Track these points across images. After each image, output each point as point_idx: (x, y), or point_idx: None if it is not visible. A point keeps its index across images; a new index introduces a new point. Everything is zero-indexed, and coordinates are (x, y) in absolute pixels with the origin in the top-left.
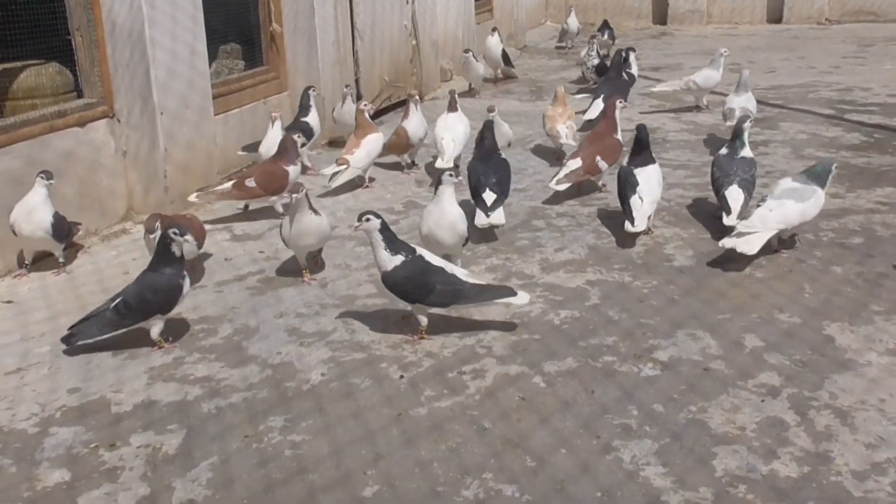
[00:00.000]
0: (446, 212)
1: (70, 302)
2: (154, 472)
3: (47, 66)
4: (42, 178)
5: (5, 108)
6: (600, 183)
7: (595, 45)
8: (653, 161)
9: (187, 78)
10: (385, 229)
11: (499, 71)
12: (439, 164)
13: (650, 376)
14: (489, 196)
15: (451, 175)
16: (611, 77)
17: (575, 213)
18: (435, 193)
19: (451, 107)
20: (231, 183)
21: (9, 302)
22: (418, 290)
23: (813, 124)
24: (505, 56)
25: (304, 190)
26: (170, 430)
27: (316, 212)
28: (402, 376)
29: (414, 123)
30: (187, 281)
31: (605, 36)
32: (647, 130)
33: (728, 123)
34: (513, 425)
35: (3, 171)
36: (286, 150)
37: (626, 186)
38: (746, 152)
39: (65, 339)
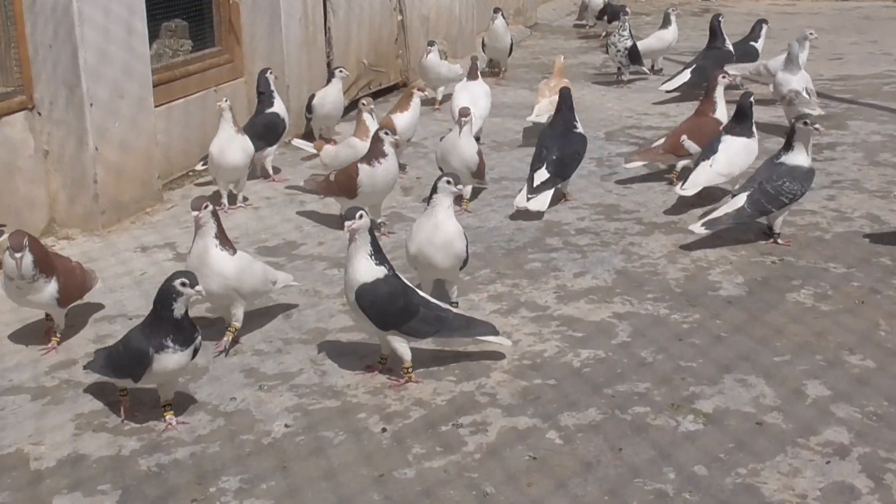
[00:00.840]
0: (441, 227)
1: None
2: None
3: None
4: None
5: None
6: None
7: (627, 24)
8: (750, 134)
9: (123, 62)
10: (372, 232)
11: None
12: (814, 113)
13: (691, 431)
14: (540, 175)
15: (449, 182)
16: (713, 47)
17: (599, 228)
18: (428, 204)
19: (472, 74)
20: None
21: None
22: (399, 312)
23: (889, 123)
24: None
25: (209, 209)
26: (101, 492)
27: (227, 247)
28: (384, 429)
29: (407, 118)
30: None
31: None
32: (751, 100)
33: (809, 109)
34: (522, 491)
35: None
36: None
37: (707, 149)
38: (793, 158)
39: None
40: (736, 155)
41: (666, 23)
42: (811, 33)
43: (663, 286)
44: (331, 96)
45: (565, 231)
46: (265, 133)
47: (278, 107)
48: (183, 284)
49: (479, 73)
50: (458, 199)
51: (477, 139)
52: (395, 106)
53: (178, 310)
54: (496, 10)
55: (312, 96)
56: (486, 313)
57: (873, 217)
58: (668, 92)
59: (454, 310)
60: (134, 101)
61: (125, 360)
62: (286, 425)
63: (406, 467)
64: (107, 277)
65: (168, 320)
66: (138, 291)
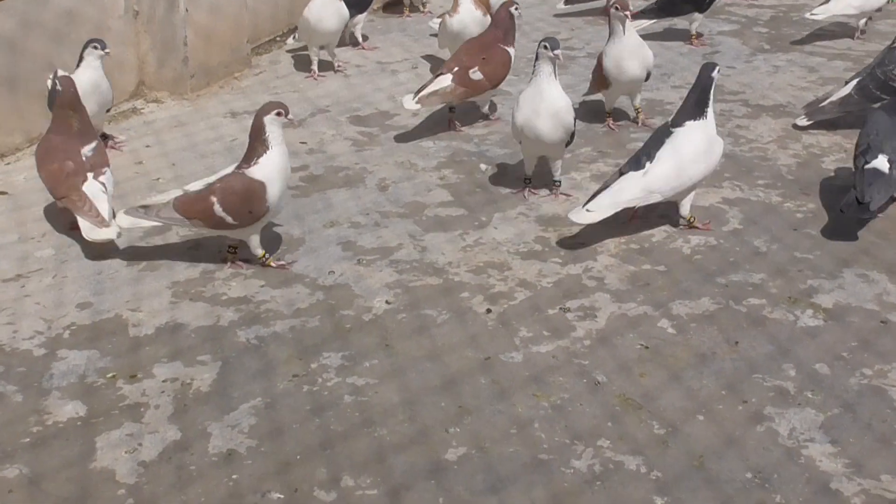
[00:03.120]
0: (547, 96)
1: None
2: (185, 413)
3: None
4: (96, 48)
5: None
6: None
7: None
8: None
9: None
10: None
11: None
12: None
13: (811, 327)
14: (880, 164)
15: (546, 47)
16: None
17: None
18: (533, 74)
19: None
20: (449, 77)
21: (3, 193)
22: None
23: None
24: None
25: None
26: (201, 362)
27: None
28: (489, 310)
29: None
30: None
31: None
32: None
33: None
34: (634, 381)
35: None
36: (501, 24)
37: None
38: None
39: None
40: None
41: None
42: None
43: (774, 172)
44: None
45: (668, 110)
46: (356, 0)
47: None
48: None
49: None
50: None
51: None
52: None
53: None
54: None
55: None
56: (588, 193)
57: None
58: None
59: None
60: None
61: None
62: (387, 301)
63: (513, 350)
64: (197, 143)
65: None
66: (230, 157)
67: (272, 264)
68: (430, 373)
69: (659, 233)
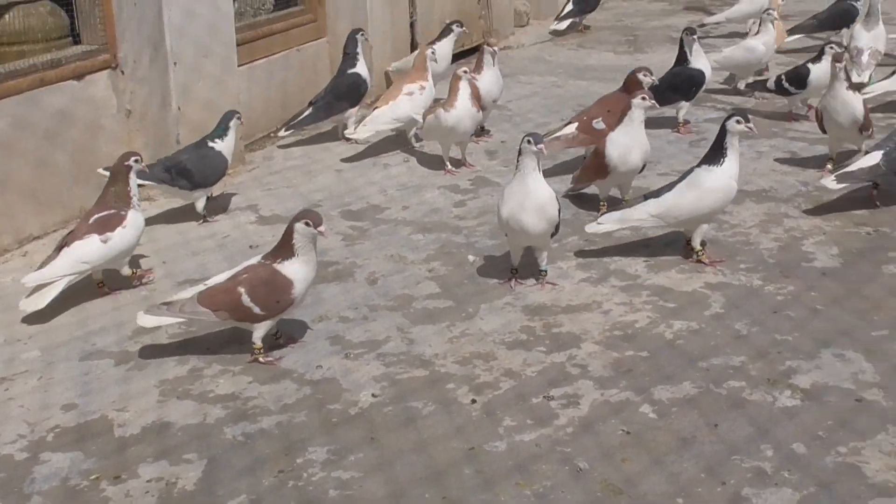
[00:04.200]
0: (531, 190)
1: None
2: None
3: (37, 4)
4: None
5: None
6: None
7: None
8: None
9: (208, 20)
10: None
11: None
12: (855, 78)
13: (789, 407)
14: None
15: (530, 142)
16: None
17: None
18: (517, 168)
19: None
20: (575, 126)
21: None
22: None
23: None
24: None
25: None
26: (187, 461)
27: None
28: (474, 401)
29: (487, 80)
30: None
31: None
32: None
33: (857, 73)
34: (616, 467)
35: None
36: (631, 87)
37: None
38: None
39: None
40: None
41: None
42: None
43: (756, 256)
44: (443, 51)
45: None
46: (347, 94)
47: (360, 68)
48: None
49: None
50: None
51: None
52: (473, 68)
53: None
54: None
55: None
56: (574, 281)
57: None
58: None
59: None
60: (218, 60)
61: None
62: (374, 395)
63: (497, 440)
64: (189, 240)
65: None
66: (221, 255)
67: (261, 360)
68: (415, 465)
69: (642, 318)
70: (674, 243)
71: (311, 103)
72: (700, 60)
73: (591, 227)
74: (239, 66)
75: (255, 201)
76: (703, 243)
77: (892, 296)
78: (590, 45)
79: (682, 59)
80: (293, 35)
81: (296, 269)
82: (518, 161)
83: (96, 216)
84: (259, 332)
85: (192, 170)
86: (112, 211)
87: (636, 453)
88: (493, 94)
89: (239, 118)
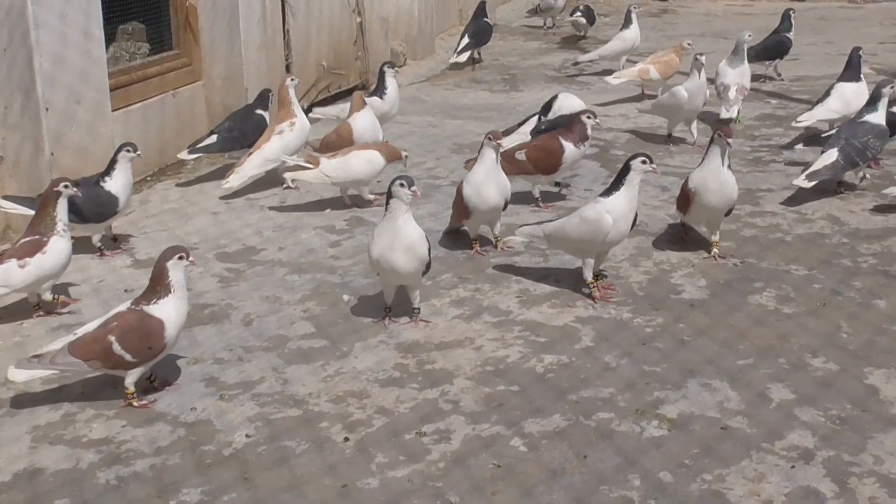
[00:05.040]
0: (402, 232)
1: None
2: None
3: None
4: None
5: None
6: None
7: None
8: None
9: (79, 67)
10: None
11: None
12: (724, 114)
13: (655, 437)
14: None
15: (402, 185)
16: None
17: None
18: (386, 209)
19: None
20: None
21: None
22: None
23: None
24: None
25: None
26: None
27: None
28: (346, 439)
29: (363, 122)
30: None
31: (579, 15)
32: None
33: (725, 109)
34: (487, 500)
35: None
36: (573, 127)
37: None
38: (875, 117)
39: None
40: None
41: (627, 22)
42: (749, 35)
43: (626, 289)
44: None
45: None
46: (254, 133)
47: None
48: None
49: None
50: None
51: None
52: (350, 110)
53: None
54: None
55: None
56: (448, 318)
57: (833, 218)
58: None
59: None
60: (91, 106)
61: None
62: (248, 435)
63: (370, 477)
64: (63, 285)
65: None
66: (96, 299)
67: (134, 404)
68: (288, 503)
69: (514, 353)
70: (546, 278)
71: (212, 132)
72: (569, 100)
73: (511, 240)
74: (114, 110)
75: (130, 245)
76: (597, 276)
77: (757, 325)
78: (466, 85)
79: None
80: (168, 79)
81: (168, 310)
82: (389, 203)
83: (21, 241)
84: (131, 377)
85: (81, 208)
86: (36, 236)
87: (506, 486)
88: (366, 137)
89: (129, 150)
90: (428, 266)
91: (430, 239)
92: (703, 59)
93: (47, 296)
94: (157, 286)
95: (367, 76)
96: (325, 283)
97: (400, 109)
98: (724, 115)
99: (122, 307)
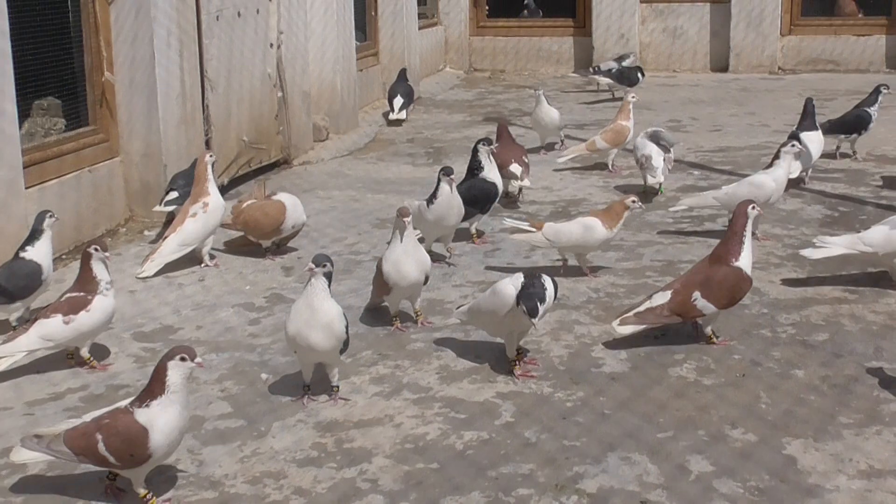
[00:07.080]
0: (319, 309)
1: None
2: None
3: None
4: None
5: None
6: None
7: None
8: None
9: None
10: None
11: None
12: (650, 181)
13: None
14: None
15: (325, 265)
16: None
17: None
18: (305, 285)
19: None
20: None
21: None
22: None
23: None
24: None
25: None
26: None
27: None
28: None
29: (292, 201)
30: None
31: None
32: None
33: (650, 179)
34: None
35: None
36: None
37: None
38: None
39: None
40: None
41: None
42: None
43: (547, 364)
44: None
45: (447, 309)
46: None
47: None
48: None
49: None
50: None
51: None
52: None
53: None
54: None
55: None
56: (368, 396)
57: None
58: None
59: None
60: (3, 184)
61: None
62: None
63: None
64: None
65: None
66: (5, 381)
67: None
68: None
69: (434, 430)
70: (467, 353)
71: (170, 189)
72: (493, 172)
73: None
74: (28, 188)
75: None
76: (519, 351)
77: (677, 397)
78: (388, 158)
79: (473, 169)
80: (85, 155)
81: (154, 416)
82: (307, 281)
83: (67, 296)
84: (133, 482)
85: (3, 284)
86: (81, 293)
87: None
88: (294, 219)
89: (51, 216)
90: (346, 344)
91: (349, 316)
92: (797, 147)
93: (84, 353)
94: (154, 386)
95: (288, 150)
96: (244, 361)
97: (322, 184)
98: (650, 181)
99: (122, 403)
